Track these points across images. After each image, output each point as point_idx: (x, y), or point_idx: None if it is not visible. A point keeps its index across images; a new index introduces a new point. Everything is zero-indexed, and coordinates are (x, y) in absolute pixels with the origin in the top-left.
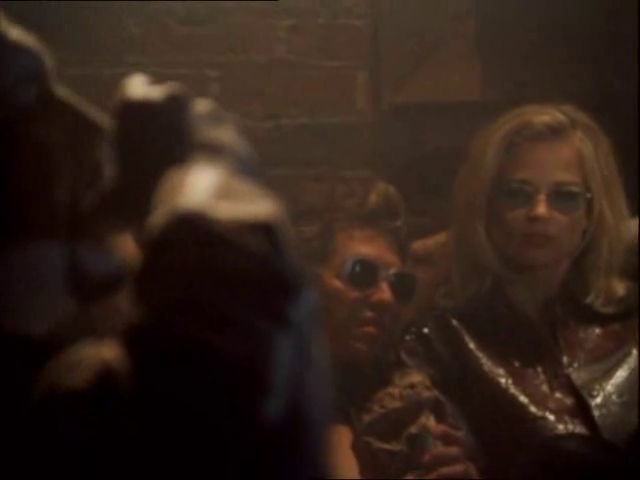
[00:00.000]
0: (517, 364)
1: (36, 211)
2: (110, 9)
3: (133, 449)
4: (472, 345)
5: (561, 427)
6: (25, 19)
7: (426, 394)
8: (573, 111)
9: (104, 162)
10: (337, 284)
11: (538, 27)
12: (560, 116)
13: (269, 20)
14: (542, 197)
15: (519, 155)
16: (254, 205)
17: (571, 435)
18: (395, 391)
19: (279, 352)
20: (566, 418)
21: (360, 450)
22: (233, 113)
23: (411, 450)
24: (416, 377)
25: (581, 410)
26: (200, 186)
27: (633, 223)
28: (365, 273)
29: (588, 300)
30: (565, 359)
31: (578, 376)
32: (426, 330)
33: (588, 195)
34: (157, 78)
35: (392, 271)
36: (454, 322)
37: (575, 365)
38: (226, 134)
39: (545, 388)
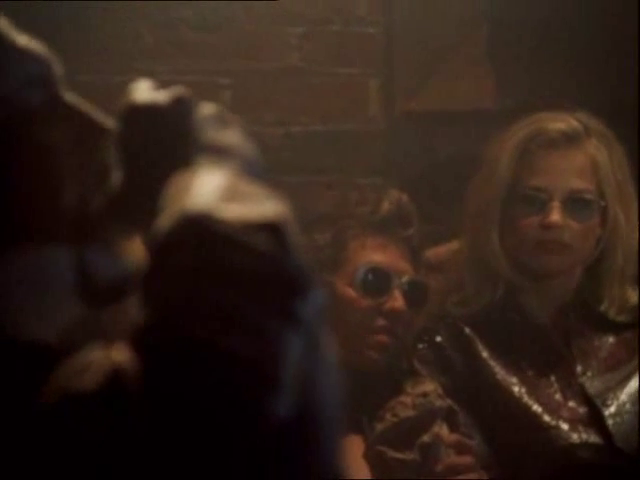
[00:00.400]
0: (530, 373)
1: (43, 214)
2: (122, 16)
3: (144, 450)
4: (485, 353)
5: (575, 436)
6: (36, 25)
7: (439, 403)
8: (587, 118)
9: (111, 166)
10: (349, 292)
11: (550, 33)
12: (574, 123)
13: (281, 28)
14: (556, 204)
15: (533, 162)
16: (261, 205)
17: (585, 444)
18: (408, 400)
19: (289, 351)
20: (580, 427)
21: (372, 459)
22: (244, 120)
23: (424, 459)
24: (429, 385)
25: (595, 419)
26: (207, 188)
27: None
28: (378, 281)
29: (602, 308)
30: (579, 368)
31: (592, 385)
32: (439, 338)
33: (602, 202)
34: (169, 85)
35: (405, 279)
36: (467, 330)
37: (589, 374)
38: (232, 136)
39: (559, 397)
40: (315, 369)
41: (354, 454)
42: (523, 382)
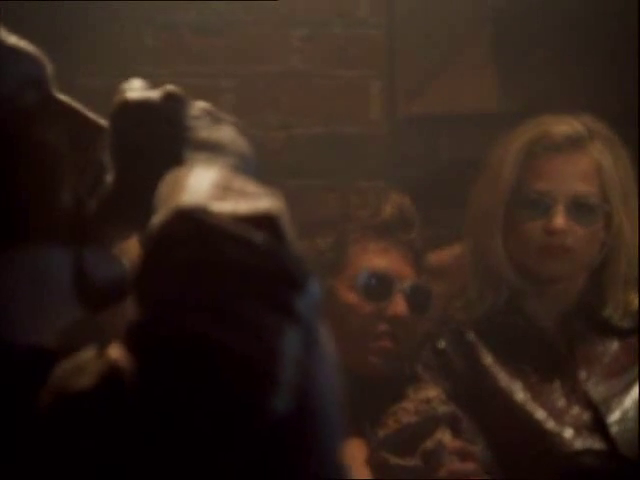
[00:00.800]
0: (534, 378)
1: (39, 215)
2: (125, 20)
3: (141, 447)
4: (488, 359)
5: (579, 442)
6: (37, 28)
7: (442, 409)
8: (592, 121)
9: (106, 165)
10: (351, 297)
11: (554, 36)
12: (579, 127)
13: (283, 30)
14: (560, 209)
15: (538, 166)
16: (255, 200)
17: (589, 451)
18: (410, 406)
19: (286, 346)
20: (584, 433)
21: (375, 465)
22: (247, 123)
23: (426, 465)
24: (432, 391)
25: (599, 425)
26: (200, 184)
27: None
28: (380, 286)
29: (606, 313)
30: (583, 373)
31: (596, 391)
32: (442, 343)
33: (606, 207)
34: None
35: (407, 284)
36: (470, 335)
37: (593, 380)
38: (225, 133)
39: (562, 403)
40: (312, 364)
41: (356, 459)
42: (527, 387)
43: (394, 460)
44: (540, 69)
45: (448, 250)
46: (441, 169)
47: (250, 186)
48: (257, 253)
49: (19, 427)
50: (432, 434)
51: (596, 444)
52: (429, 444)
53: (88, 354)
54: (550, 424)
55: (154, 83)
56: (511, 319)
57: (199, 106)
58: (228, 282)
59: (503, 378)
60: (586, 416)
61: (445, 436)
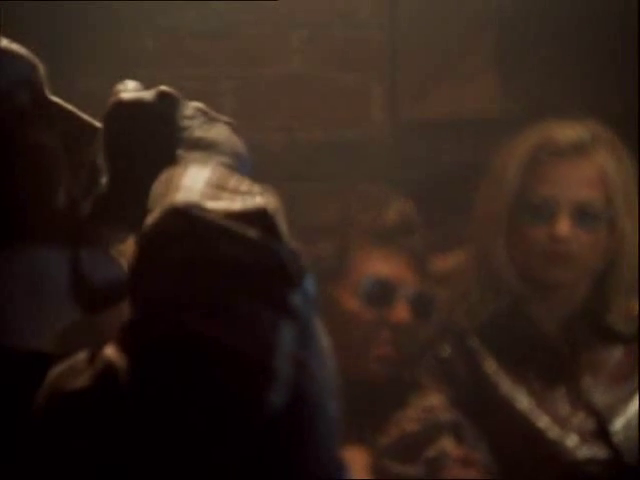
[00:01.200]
0: (537, 385)
1: (36, 216)
2: (125, 22)
3: (137, 445)
4: (491, 365)
5: (582, 450)
6: (39, 31)
7: (445, 416)
8: (596, 127)
9: (101, 166)
10: (353, 303)
11: (557, 40)
12: (583, 133)
13: (283, 32)
14: (564, 215)
15: (542, 171)
16: (250, 197)
17: (592, 459)
18: (413, 413)
19: (282, 341)
20: (588, 441)
21: (377, 473)
22: (247, 127)
23: (429, 473)
24: (434, 398)
25: (602, 433)
26: (195, 183)
27: None
28: (382, 292)
29: (609, 320)
30: (587, 380)
31: (600, 398)
32: (445, 350)
33: (610, 213)
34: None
35: (410, 290)
36: (473, 342)
37: (597, 387)
38: (219, 133)
39: (566, 409)
40: (308, 359)
41: (358, 466)
42: (530, 394)
43: (397, 468)
44: (542, 74)
45: (451, 255)
46: (443, 174)
47: (244, 184)
48: (251, 249)
49: (18, 428)
50: (435, 442)
51: (600, 452)
52: (432, 452)
53: (83, 354)
54: (554, 431)
55: (154, 85)
56: (514, 325)
57: (193, 106)
58: (223, 278)
59: (506, 384)
60: (590, 423)
61: (448, 444)
